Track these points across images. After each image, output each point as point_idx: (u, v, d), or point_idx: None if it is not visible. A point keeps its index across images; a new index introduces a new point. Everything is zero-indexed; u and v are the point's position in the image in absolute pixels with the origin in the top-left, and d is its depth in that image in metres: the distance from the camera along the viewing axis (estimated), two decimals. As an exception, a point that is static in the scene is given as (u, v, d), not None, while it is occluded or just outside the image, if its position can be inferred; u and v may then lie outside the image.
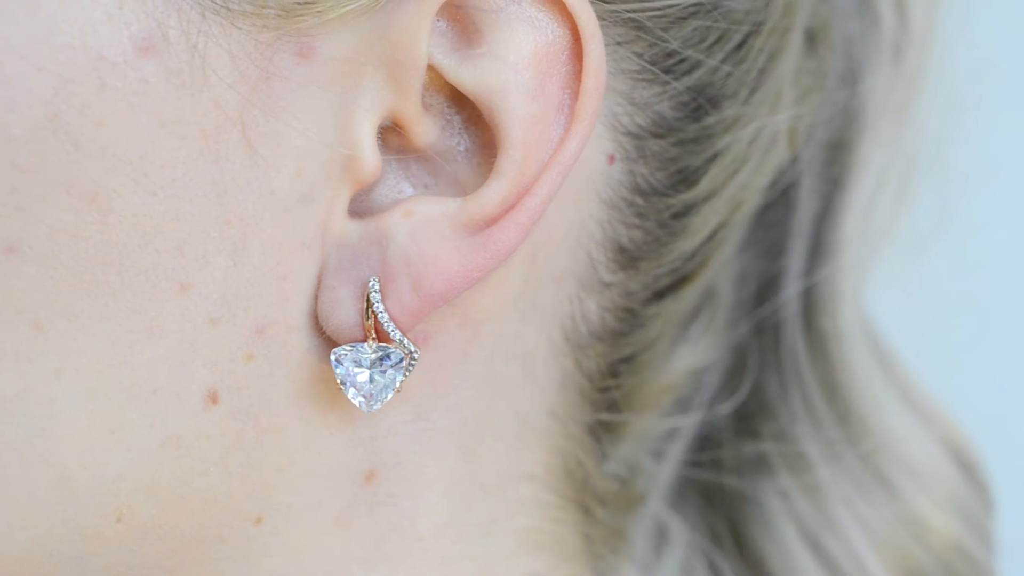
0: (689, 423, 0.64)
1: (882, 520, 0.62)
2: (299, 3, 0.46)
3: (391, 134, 0.49)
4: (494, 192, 0.48)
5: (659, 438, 0.63)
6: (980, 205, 0.69)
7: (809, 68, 0.59)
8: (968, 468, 0.65)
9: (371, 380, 0.49)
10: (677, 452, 0.64)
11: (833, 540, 0.62)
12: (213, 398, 0.48)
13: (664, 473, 0.63)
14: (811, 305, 0.64)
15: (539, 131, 0.48)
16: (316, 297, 0.49)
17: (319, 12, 0.47)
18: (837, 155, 0.63)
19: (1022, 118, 0.81)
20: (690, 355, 0.61)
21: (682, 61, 0.53)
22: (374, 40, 0.47)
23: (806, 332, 0.64)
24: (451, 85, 0.49)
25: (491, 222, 0.48)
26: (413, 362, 0.49)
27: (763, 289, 0.64)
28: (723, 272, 0.61)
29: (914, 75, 0.63)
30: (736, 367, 0.64)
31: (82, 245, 0.46)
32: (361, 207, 0.50)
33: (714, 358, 0.63)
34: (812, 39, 0.58)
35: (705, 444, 0.65)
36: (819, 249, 0.64)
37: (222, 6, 0.46)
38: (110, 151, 0.46)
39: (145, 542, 0.49)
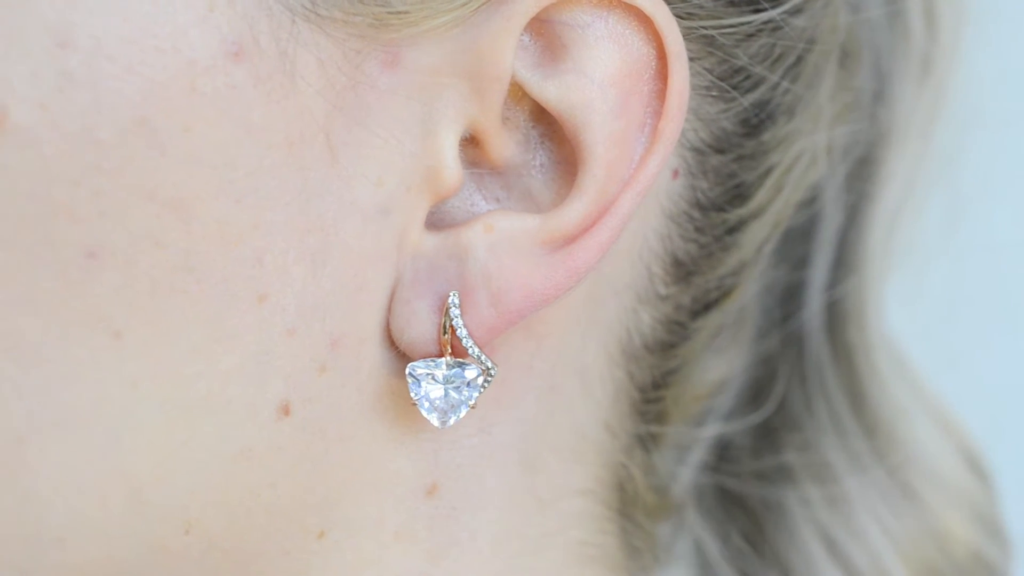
0: (714, 433, 0.64)
1: (907, 530, 0.63)
2: (391, 13, 0.45)
3: (467, 146, 0.48)
4: (575, 210, 0.48)
5: (681, 446, 0.63)
6: (988, 216, 0.69)
7: (844, 84, 0.59)
8: (983, 476, 0.66)
9: (446, 396, 0.48)
10: (696, 459, 0.64)
11: (857, 549, 0.62)
12: (285, 410, 0.47)
13: (685, 480, 0.63)
14: (837, 317, 0.64)
15: (621, 150, 0.48)
16: (390, 309, 0.48)
17: (411, 23, 0.46)
18: (862, 168, 0.63)
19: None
20: (719, 365, 0.61)
21: (748, 77, 0.53)
22: (460, 52, 0.47)
23: (832, 344, 0.64)
24: (530, 99, 0.48)
25: (571, 240, 0.48)
26: (490, 379, 0.48)
27: (786, 300, 0.64)
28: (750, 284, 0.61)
29: (941, 88, 0.63)
30: (757, 377, 0.64)
31: (163, 252, 0.45)
32: (435, 219, 0.49)
33: (740, 369, 0.63)
34: (845, 55, 0.59)
35: (726, 453, 0.65)
36: (844, 261, 0.64)
37: (312, 12, 0.45)
38: (196, 157, 0.45)
39: (210, 555, 0.48)
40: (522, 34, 0.47)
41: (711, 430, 0.64)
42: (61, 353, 0.45)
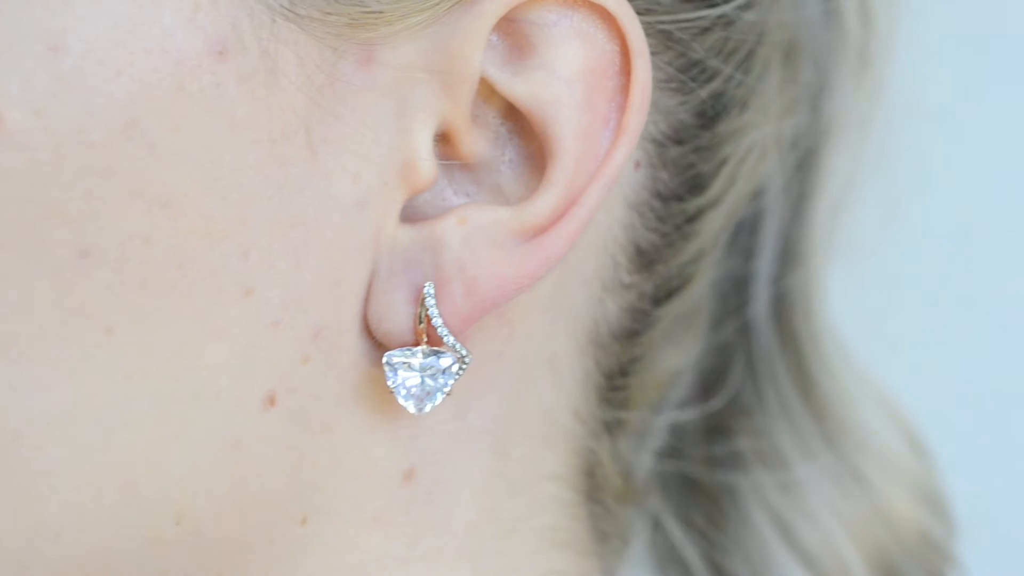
0: (669, 420, 0.65)
1: (857, 512, 0.65)
2: (366, 12, 0.47)
3: (439, 143, 0.50)
4: (545, 202, 0.49)
5: (640, 433, 0.65)
6: (923, 207, 0.71)
7: (790, 79, 0.61)
8: (926, 458, 0.68)
9: (422, 383, 0.50)
10: (654, 445, 0.66)
11: (809, 531, 0.64)
12: (271, 400, 0.49)
13: (645, 465, 0.65)
14: (783, 307, 0.66)
15: (588, 143, 0.50)
16: (367, 301, 0.50)
17: (386, 22, 0.47)
18: (808, 161, 0.65)
19: (972, 121, 0.84)
20: (676, 354, 0.63)
21: (704, 71, 0.55)
22: (431, 51, 0.48)
23: (779, 333, 0.66)
24: (499, 97, 0.50)
25: (541, 231, 0.50)
26: (464, 366, 0.50)
27: (739, 291, 0.66)
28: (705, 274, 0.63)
29: (877, 81, 0.66)
30: (711, 366, 0.66)
31: (153, 249, 0.46)
32: (407, 212, 0.50)
33: (695, 358, 0.65)
34: (789, 51, 0.61)
35: (682, 439, 0.67)
36: (790, 252, 0.66)
37: (290, 11, 0.47)
38: (184, 155, 0.46)
39: (200, 544, 0.49)
40: (490, 34, 0.49)
41: (666, 417, 0.66)
42: (56, 351, 0.46)
